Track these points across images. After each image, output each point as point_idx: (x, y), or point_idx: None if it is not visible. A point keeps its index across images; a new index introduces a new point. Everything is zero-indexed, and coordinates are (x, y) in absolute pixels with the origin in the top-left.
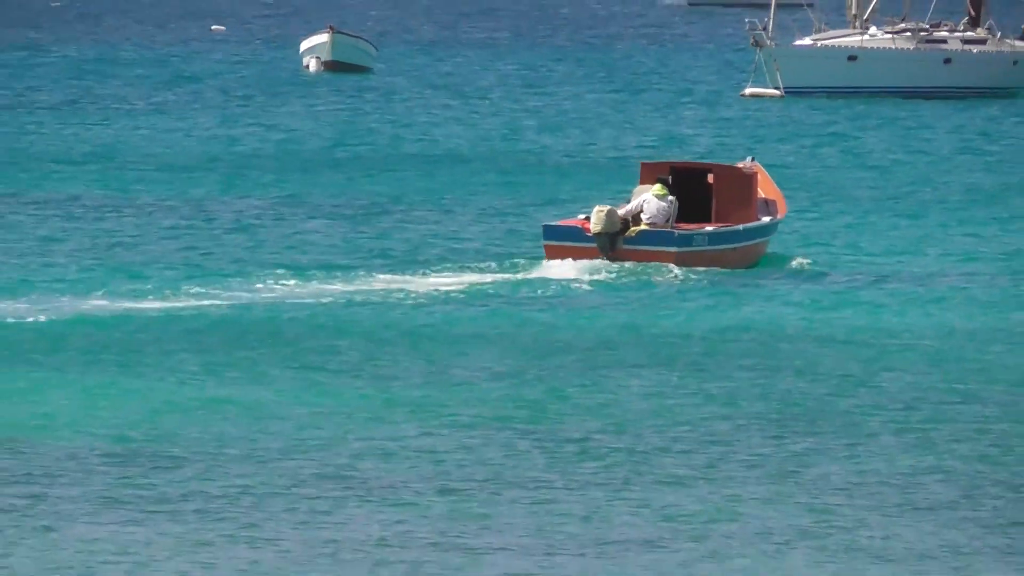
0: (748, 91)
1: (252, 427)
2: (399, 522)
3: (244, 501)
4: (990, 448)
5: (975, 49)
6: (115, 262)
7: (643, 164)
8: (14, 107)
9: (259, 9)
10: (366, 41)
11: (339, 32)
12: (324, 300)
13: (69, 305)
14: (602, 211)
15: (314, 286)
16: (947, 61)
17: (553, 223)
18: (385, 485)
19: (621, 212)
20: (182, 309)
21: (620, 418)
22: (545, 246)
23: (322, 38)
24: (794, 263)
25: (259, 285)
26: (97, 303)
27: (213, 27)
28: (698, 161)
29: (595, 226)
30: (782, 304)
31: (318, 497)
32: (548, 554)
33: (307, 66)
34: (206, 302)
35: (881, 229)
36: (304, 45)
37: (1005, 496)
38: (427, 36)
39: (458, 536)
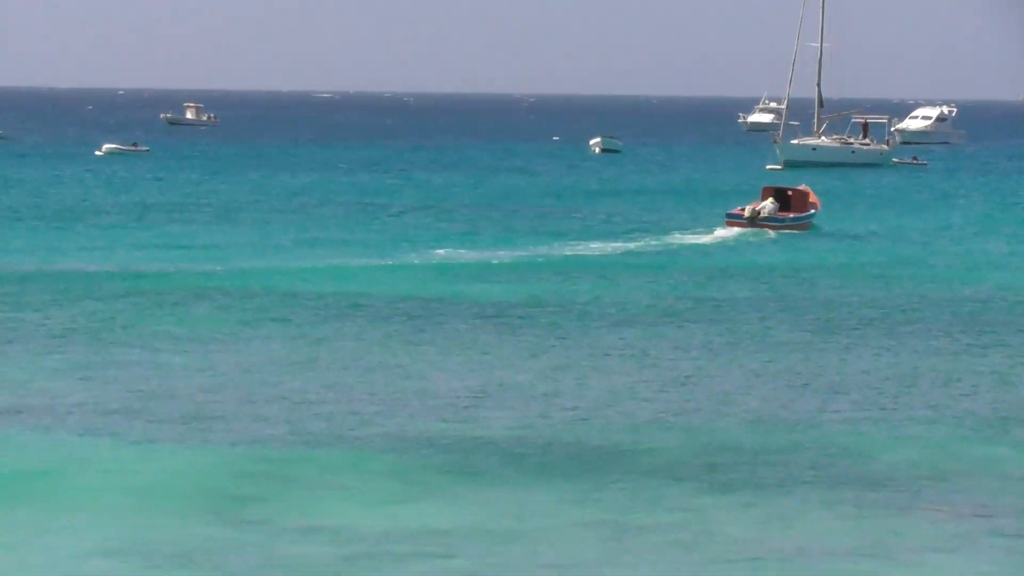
0: (769, 167)
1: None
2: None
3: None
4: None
5: (865, 148)
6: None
7: (763, 188)
8: (495, 169)
9: (571, 125)
10: (617, 139)
11: (606, 136)
12: (616, 251)
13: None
14: (752, 206)
15: (617, 244)
16: (853, 151)
17: (730, 211)
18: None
19: (758, 208)
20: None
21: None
22: (726, 221)
23: (598, 138)
24: (821, 229)
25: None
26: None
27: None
28: (783, 186)
29: (747, 213)
30: (819, 244)
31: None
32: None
33: (593, 150)
34: (557, 253)
35: (846, 215)
36: (591, 140)
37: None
38: (644, 139)
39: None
